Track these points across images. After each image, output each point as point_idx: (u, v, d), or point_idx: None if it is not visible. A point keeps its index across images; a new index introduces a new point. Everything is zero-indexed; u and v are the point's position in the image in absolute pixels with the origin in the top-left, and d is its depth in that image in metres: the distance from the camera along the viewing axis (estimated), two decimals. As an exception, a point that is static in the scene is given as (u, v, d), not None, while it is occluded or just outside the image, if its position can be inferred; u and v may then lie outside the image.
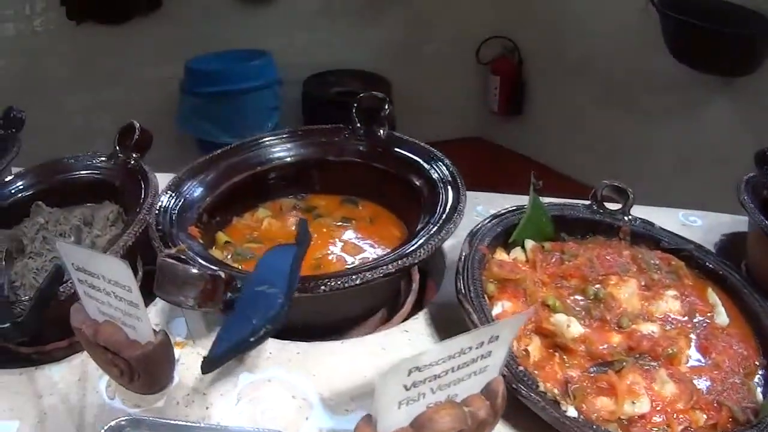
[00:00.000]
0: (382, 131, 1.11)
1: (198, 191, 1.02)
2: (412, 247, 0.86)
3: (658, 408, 0.71)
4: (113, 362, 0.77)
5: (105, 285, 0.70)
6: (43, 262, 1.01)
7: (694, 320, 0.84)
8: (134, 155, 1.15)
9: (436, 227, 0.90)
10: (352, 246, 1.00)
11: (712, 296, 0.89)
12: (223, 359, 0.61)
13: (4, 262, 0.97)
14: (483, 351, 0.57)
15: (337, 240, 1.01)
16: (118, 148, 1.16)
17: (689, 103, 2.58)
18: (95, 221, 1.08)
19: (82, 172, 1.18)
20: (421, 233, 0.90)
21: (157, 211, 0.94)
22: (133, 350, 0.72)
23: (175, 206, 0.97)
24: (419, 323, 0.93)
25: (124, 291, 0.69)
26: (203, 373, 0.63)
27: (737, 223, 1.13)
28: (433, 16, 3.18)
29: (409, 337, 0.90)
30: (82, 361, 0.88)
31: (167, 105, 2.92)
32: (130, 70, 2.91)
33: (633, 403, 0.70)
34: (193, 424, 0.74)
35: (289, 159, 1.13)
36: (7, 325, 0.74)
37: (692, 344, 0.80)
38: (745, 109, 2.46)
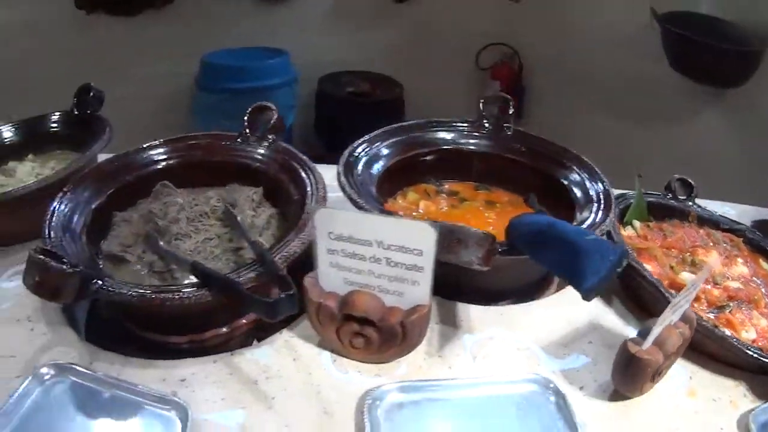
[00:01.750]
0: (507, 127, 1.14)
1: (371, 170, 1.01)
2: (599, 221, 0.92)
3: (760, 335, 0.87)
4: (360, 332, 0.72)
5: (376, 251, 0.68)
6: (196, 243, 0.91)
7: (758, 280, 1.00)
8: (270, 137, 1.06)
9: (602, 209, 0.96)
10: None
11: (765, 265, 1.05)
12: (600, 287, 0.66)
13: (161, 243, 0.86)
14: (691, 289, 0.74)
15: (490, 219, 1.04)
16: (248, 130, 1.06)
17: (685, 111, 2.64)
18: (239, 203, 0.98)
19: (209, 154, 1.07)
20: (592, 212, 0.96)
21: (351, 187, 0.90)
22: (402, 315, 0.70)
23: (358, 184, 0.93)
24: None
25: (409, 255, 0.67)
26: (588, 300, 0.70)
27: (759, 212, 1.29)
28: (436, 22, 3.14)
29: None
30: (287, 341, 0.81)
31: (179, 101, 2.76)
32: (140, 65, 2.73)
33: (746, 332, 0.87)
34: (478, 380, 0.75)
35: (441, 146, 1.13)
36: (283, 296, 0.65)
37: (764, 295, 0.96)
38: (737, 118, 2.53)
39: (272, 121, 1.05)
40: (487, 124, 1.14)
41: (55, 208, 0.89)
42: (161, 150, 1.06)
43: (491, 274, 0.74)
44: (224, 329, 0.88)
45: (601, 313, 0.91)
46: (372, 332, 0.71)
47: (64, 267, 0.68)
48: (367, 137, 1.06)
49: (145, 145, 1.06)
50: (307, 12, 3.00)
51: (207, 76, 2.69)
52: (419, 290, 0.69)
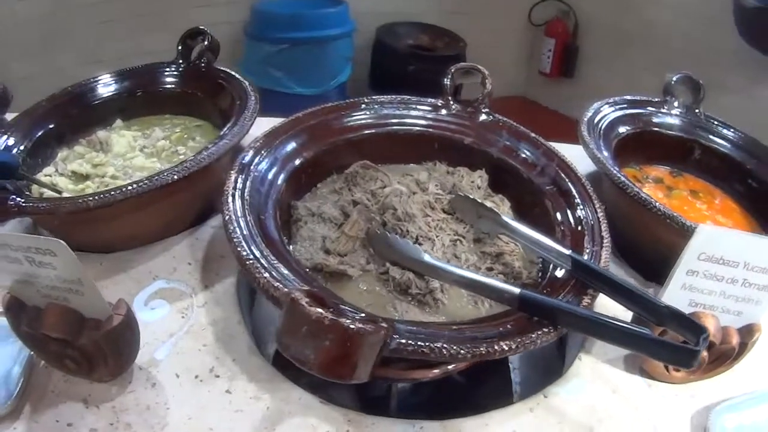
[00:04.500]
0: (698, 111, 0.97)
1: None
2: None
3: None
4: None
5: (737, 272, 0.58)
6: (442, 248, 0.65)
7: None
8: (484, 109, 0.80)
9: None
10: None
11: None
12: None
13: (426, 257, 0.59)
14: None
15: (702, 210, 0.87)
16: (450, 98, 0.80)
17: (753, 83, 2.39)
18: (463, 190, 0.72)
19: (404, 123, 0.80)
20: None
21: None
22: (740, 336, 0.60)
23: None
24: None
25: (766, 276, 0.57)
26: None
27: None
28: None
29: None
30: (593, 369, 0.63)
31: (225, 52, 2.39)
32: (180, 13, 2.36)
33: None
34: None
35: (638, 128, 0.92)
36: (703, 340, 0.49)
37: None
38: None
39: (485, 91, 0.77)
40: (676, 105, 0.95)
41: (231, 204, 0.60)
42: (343, 116, 0.77)
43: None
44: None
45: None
46: (704, 354, 0.59)
47: (372, 327, 0.40)
48: (610, 100, 0.90)
49: (313, 109, 0.77)
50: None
51: (259, 24, 2.34)
52: (758, 309, 0.60)
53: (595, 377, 0.61)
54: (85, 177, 0.80)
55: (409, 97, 0.81)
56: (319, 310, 0.40)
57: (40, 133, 0.84)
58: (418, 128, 0.78)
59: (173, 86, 0.96)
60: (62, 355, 0.53)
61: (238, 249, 0.54)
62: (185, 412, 0.54)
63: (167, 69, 0.97)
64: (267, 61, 2.31)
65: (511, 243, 0.65)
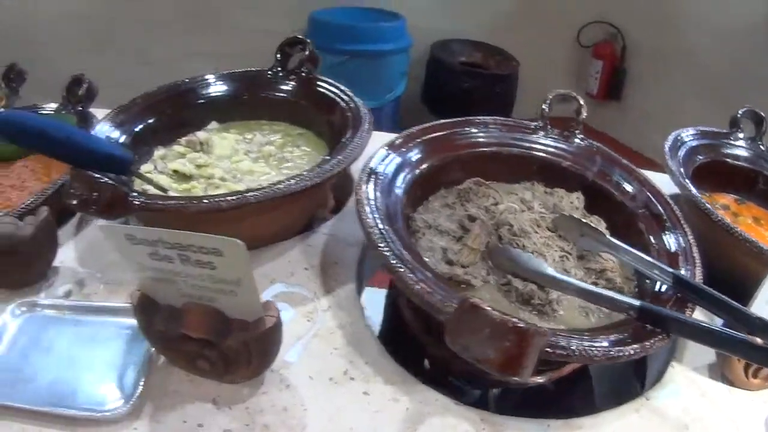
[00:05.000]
0: (761, 143, 1.04)
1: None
2: None
3: None
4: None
5: None
6: (554, 263, 0.74)
7: None
8: (579, 134, 0.91)
9: None
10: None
11: None
12: None
13: (548, 270, 0.66)
14: None
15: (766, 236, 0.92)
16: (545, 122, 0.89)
17: None
18: (564, 210, 0.80)
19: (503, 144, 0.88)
20: None
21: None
22: None
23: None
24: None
25: None
26: None
27: None
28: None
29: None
30: (684, 374, 0.71)
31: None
32: (235, 18, 2.47)
33: None
34: None
35: (709, 157, 1.01)
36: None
37: None
38: None
39: (580, 116, 0.86)
40: (741, 136, 1.04)
41: (370, 213, 0.66)
42: (452, 134, 0.86)
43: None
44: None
45: None
46: None
47: (540, 330, 0.47)
48: (686, 130, 0.99)
49: (423, 126, 0.85)
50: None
51: (316, 34, 2.44)
52: None
53: (688, 382, 0.69)
54: (188, 177, 0.82)
55: (511, 119, 0.90)
56: (499, 313, 0.48)
57: (137, 130, 0.85)
58: (519, 149, 0.87)
59: (280, 93, 0.99)
60: (197, 356, 0.52)
61: (389, 257, 0.59)
62: (324, 414, 0.56)
63: (268, 75, 1.00)
64: (324, 71, 2.41)
65: (610, 260, 0.74)
